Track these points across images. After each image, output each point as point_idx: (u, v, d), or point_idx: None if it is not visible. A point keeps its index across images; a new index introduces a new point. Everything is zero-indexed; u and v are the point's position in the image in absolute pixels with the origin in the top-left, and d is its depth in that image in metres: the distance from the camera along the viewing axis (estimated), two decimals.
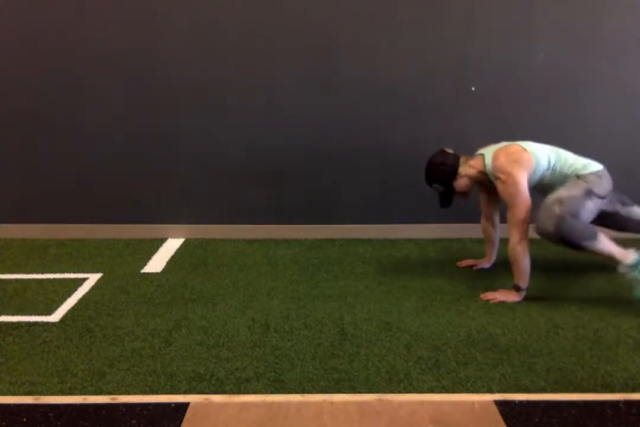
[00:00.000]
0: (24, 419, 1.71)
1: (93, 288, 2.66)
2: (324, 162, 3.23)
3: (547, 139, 3.16)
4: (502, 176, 2.39)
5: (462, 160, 2.52)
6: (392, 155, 3.16)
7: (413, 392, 1.83)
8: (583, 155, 3.23)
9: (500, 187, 2.42)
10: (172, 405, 1.77)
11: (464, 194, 2.59)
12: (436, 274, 2.79)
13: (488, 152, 2.50)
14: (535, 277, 2.50)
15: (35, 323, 2.32)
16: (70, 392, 1.85)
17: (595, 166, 2.48)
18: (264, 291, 2.62)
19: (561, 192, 2.37)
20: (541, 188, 2.52)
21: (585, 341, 2.14)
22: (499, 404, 1.76)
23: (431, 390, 1.85)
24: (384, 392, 1.84)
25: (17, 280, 2.77)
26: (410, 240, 3.29)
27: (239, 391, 1.85)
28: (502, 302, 2.45)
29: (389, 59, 3.04)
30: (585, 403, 1.76)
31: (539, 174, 2.45)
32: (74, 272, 2.86)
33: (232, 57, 3.06)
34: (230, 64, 3.07)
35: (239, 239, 3.35)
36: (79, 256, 3.09)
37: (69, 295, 2.58)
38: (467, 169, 2.51)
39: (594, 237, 2.32)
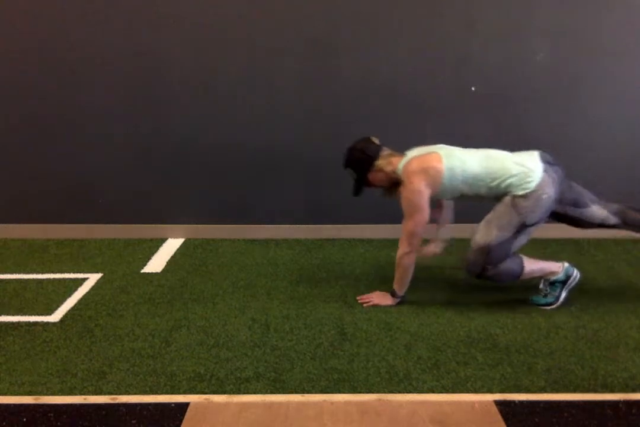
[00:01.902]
0: (24, 419, 1.71)
1: (93, 288, 2.66)
2: (324, 162, 3.22)
3: (547, 138, 3.18)
4: (405, 181, 2.33)
5: (385, 154, 2.43)
6: None
7: (413, 392, 1.83)
8: (584, 155, 3.25)
9: (401, 191, 2.36)
10: (172, 405, 1.77)
11: (385, 189, 2.52)
12: (436, 274, 2.79)
13: (410, 154, 2.42)
14: (536, 278, 2.51)
15: (35, 323, 2.32)
16: (70, 392, 1.85)
17: (533, 178, 2.25)
18: (264, 291, 2.62)
19: (492, 233, 2.27)
20: (470, 199, 2.43)
21: (585, 341, 2.14)
22: (499, 404, 1.76)
23: (431, 390, 1.85)
24: (384, 392, 1.84)
25: (17, 280, 2.77)
26: None
27: (239, 391, 1.85)
28: (376, 305, 2.44)
29: (389, 59, 3.04)
30: (585, 403, 1.76)
31: (450, 187, 2.33)
32: (74, 272, 2.86)
33: (232, 58, 3.06)
34: (230, 65, 3.07)
35: (239, 239, 3.35)
36: (79, 256, 3.09)
37: (69, 295, 2.58)
38: (386, 164, 2.41)
39: (519, 273, 2.34)
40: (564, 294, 2.40)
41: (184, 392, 1.84)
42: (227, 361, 2.02)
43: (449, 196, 2.42)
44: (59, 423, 1.69)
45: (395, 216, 3.33)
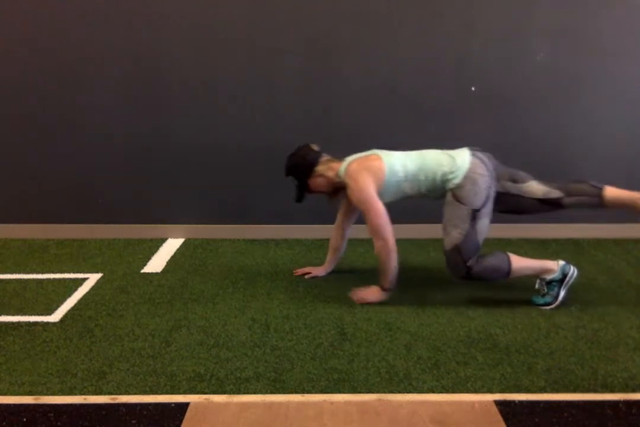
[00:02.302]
0: (24, 419, 1.71)
1: (93, 288, 2.66)
2: None
3: (547, 138, 3.18)
4: (350, 182, 2.38)
5: (324, 160, 2.51)
6: None
7: (413, 392, 1.83)
8: (584, 154, 3.25)
9: (349, 193, 2.42)
10: (172, 405, 1.77)
11: (328, 195, 2.57)
12: (436, 274, 2.79)
13: (349, 159, 2.49)
14: (536, 278, 2.50)
15: (35, 323, 2.31)
16: (70, 392, 1.85)
17: (462, 163, 2.34)
18: (264, 291, 2.62)
19: (452, 235, 2.33)
20: (413, 197, 2.49)
21: (585, 341, 2.14)
22: (499, 404, 1.76)
23: (431, 390, 1.85)
24: (384, 392, 1.84)
25: (17, 280, 2.77)
26: (410, 240, 3.29)
27: (239, 391, 1.84)
28: (369, 302, 2.45)
29: (389, 59, 3.04)
30: (585, 403, 1.76)
31: (393, 184, 2.40)
32: (74, 272, 2.86)
33: (232, 58, 3.06)
34: (230, 64, 3.07)
35: (239, 239, 3.35)
36: (79, 256, 3.09)
37: (69, 295, 2.58)
38: (326, 169, 2.49)
39: (506, 270, 2.33)
40: (562, 293, 2.39)
41: (184, 392, 1.84)
42: (227, 361, 2.02)
43: (391, 196, 2.44)
44: (59, 423, 1.69)
45: (394, 216, 3.34)
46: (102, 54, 3.06)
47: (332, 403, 1.77)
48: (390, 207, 3.37)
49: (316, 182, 2.52)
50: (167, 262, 3.00)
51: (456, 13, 2.97)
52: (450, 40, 3.01)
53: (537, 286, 2.44)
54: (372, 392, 1.83)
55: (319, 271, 2.80)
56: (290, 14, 2.98)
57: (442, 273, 2.80)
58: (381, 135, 3.17)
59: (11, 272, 2.87)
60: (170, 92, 3.13)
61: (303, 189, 2.55)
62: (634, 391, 1.83)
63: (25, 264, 2.98)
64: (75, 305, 2.48)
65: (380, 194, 2.41)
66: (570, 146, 3.16)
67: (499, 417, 1.69)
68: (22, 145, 3.23)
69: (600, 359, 2.01)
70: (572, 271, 2.38)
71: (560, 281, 2.38)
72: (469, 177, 2.32)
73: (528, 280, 2.46)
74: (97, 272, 2.86)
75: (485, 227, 2.36)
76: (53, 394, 1.84)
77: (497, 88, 3.08)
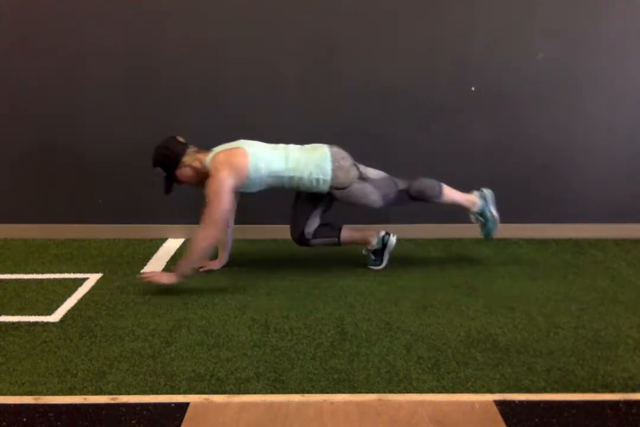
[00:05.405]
0: (24, 419, 1.71)
1: (93, 288, 2.66)
2: None
3: (547, 138, 3.17)
4: (212, 171, 2.49)
5: (191, 151, 2.61)
6: (391, 155, 3.17)
7: (413, 392, 1.83)
8: (584, 154, 3.24)
9: (208, 182, 2.49)
10: (172, 405, 1.77)
11: (196, 185, 2.66)
12: (436, 274, 2.79)
13: (216, 149, 2.60)
14: (535, 278, 2.51)
15: (35, 323, 2.31)
16: (70, 392, 1.85)
17: (324, 164, 2.56)
18: (264, 291, 2.62)
19: (372, 200, 2.67)
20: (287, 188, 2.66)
21: (585, 341, 2.14)
22: (499, 404, 1.76)
23: (431, 390, 1.84)
24: (384, 392, 1.84)
25: (17, 280, 2.77)
26: (410, 240, 3.29)
27: (239, 391, 1.84)
28: (155, 282, 2.52)
29: (389, 59, 3.04)
30: (585, 403, 1.76)
31: (256, 180, 2.55)
32: (74, 272, 2.86)
33: (232, 58, 3.06)
34: (231, 64, 3.07)
35: (239, 239, 3.35)
36: (79, 256, 3.09)
37: (69, 295, 2.58)
38: (193, 160, 2.58)
39: (439, 187, 2.67)
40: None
41: (184, 392, 1.84)
42: (227, 361, 2.02)
43: (256, 188, 2.62)
44: (59, 423, 1.69)
45: (395, 216, 3.34)
46: (103, 53, 3.05)
47: (332, 403, 1.77)
48: (392, 208, 3.37)
49: (183, 172, 2.60)
50: (167, 262, 3.00)
51: (456, 13, 2.97)
52: (450, 40, 3.01)
53: (472, 219, 2.76)
54: (372, 392, 1.83)
55: (214, 264, 2.89)
56: (290, 14, 2.98)
57: (442, 273, 2.81)
58: (381, 135, 3.17)
59: (11, 272, 2.87)
60: (170, 92, 3.13)
61: (171, 180, 2.63)
62: (634, 391, 1.83)
63: (25, 264, 2.98)
64: (75, 305, 2.48)
65: (246, 186, 2.57)
66: (570, 146, 3.17)
67: (499, 417, 1.69)
68: (21, 145, 3.23)
69: (600, 359, 2.01)
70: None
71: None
72: (335, 168, 2.55)
73: (527, 279, 2.46)
74: (97, 272, 2.86)
75: (376, 171, 2.65)
76: (53, 394, 1.84)
77: (497, 88, 3.08)
